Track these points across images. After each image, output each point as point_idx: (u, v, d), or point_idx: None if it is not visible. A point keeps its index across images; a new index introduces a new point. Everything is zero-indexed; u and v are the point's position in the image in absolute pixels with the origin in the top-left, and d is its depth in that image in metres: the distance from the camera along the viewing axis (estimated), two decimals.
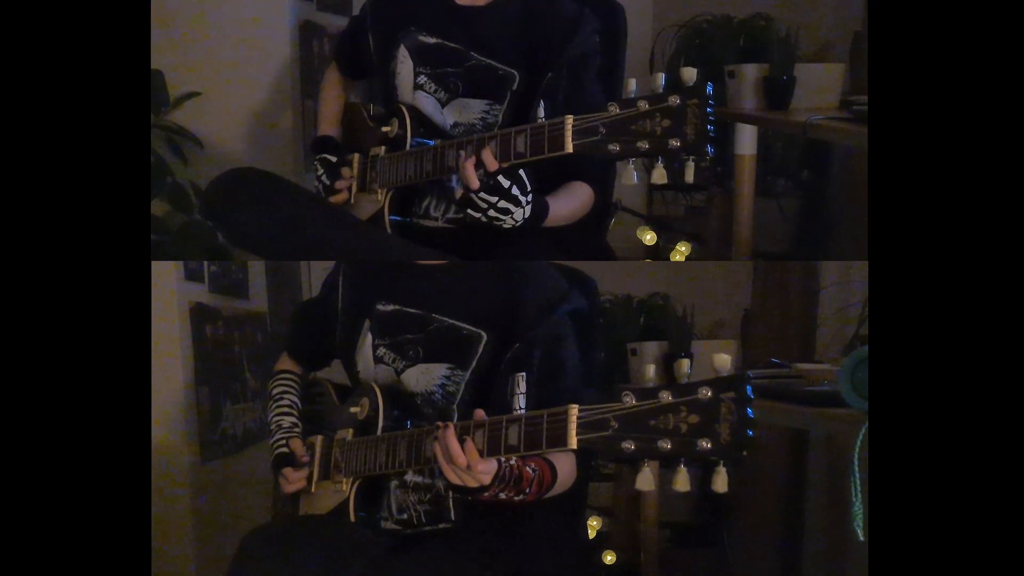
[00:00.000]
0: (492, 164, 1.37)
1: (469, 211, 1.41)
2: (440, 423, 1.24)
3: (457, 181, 1.60)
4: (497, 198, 1.38)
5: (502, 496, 1.24)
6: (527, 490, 1.26)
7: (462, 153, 1.41)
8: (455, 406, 1.43)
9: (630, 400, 1.04)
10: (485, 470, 1.20)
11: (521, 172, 1.39)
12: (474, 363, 1.42)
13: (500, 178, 1.37)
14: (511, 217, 1.40)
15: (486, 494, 1.23)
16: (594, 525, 2.50)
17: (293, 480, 1.51)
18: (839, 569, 2.24)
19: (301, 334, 1.70)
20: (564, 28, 1.59)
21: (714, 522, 2.59)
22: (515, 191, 1.38)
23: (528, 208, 1.41)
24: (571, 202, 1.57)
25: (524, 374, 1.37)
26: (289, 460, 1.53)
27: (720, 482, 1.01)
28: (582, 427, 1.08)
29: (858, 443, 1.24)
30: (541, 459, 1.30)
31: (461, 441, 1.20)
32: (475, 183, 1.38)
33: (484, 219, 1.41)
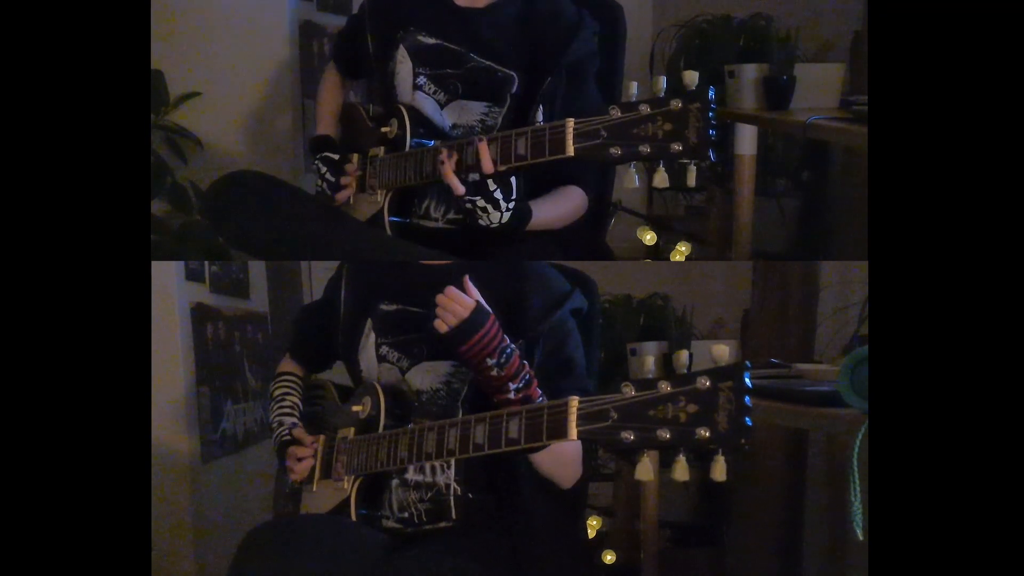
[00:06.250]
0: (488, 167, 1.39)
1: (456, 199, 1.44)
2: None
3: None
4: (478, 197, 1.41)
5: (490, 364, 1.29)
6: (515, 372, 1.30)
7: (444, 156, 1.44)
8: (459, 403, 1.44)
9: (629, 391, 1.05)
10: (465, 303, 1.31)
11: (512, 180, 1.41)
12: None
13: (488, 180, 1.39)
14: (487, 217, 1.43)
15: (467, 346, 1.30)
16: (594, 525, 2.50)
17: (303, 456, 1.50)
18: (839, 569, 2.24)
19: (304, 336, 1.70)
20: (564, 30, 1.59)
21: (714, 522, 2.59)
22: (498, 195, 1.41)
23: (507, 214, 1.43)
24: (559, 207, 1.58)
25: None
26: (294, 444, 1.53)
27: (719, 471, 1.01)
28: (582, 419, 1.09)
29: (857, 443, 1.24)
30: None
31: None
32: (460, 189, 1.41)
33: (470, 208, 1.44)
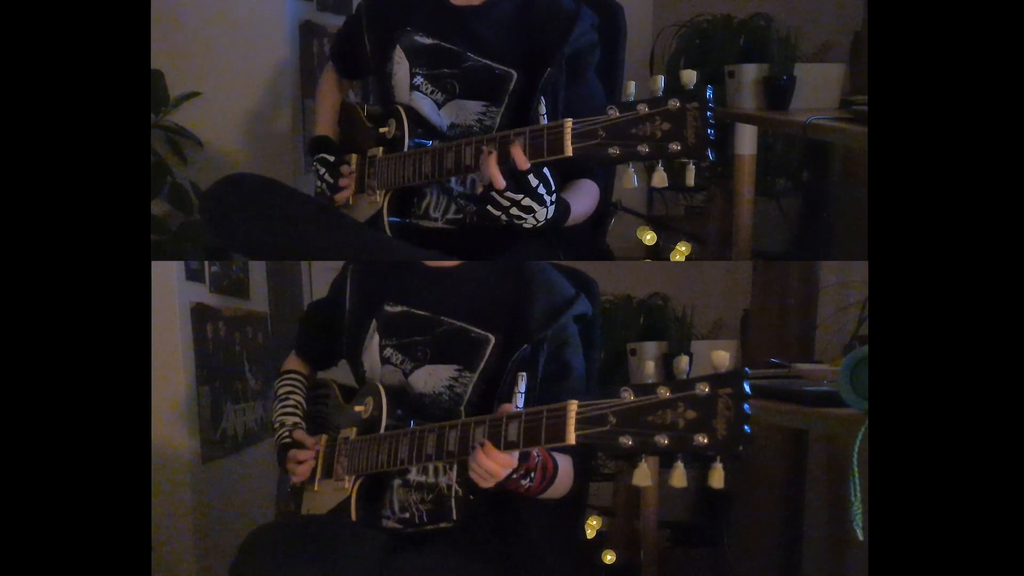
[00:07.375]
0: (523, 162, 1.33)
1: (489, 207, 1.38)
2: (482, 441, 1.21)
3: (456, 181, 1.60)
4: (522, 196, 1.36)
5: (512, 476, 1.24)
6: (532, 473, 1.26)
7: (485, 150, 1.38)
8: (462, 407, 1.43)
9: (628, 396, 1.05)
10: (506, 464, 1.21)
11: (546, 171, 1.37)
12: (482, 365, 1.43)
13: (529, 176, 1.35)
14: (533, 216, 1.39)
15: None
16: (594, 525, 2.50)
17: (303, 459, 1.50)
18: (839, 569, 2.24)
19: (309, 334, 1.70)
20: (562, 22, 1.58)
21: (714, 521, 2.59)
22: (541, 190, 1.37)
23: (551, 208, 1.40)
24: (586, 201, 1.57)
25: (524, 374, 1.37)
26: (295, 447, 1.53)
27: (717, 478, 1.01)
28: (581, 423, 1.09)
29: (857, 443, 1.24)
30: (544, 450, 1.30)
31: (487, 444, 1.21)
32: (501, 182, 1.35)
33: (504, 218, 1.39)
